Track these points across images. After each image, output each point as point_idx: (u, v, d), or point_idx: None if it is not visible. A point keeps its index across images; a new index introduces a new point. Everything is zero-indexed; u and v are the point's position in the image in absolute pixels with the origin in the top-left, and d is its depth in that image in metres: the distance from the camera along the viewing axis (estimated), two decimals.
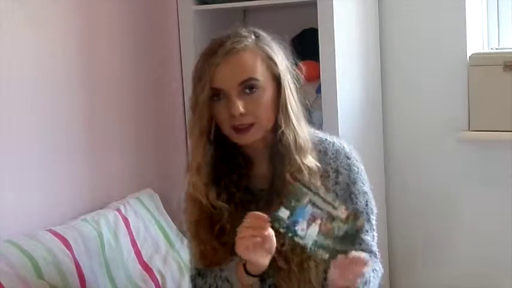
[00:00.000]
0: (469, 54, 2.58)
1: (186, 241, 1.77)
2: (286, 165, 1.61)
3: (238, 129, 1.59)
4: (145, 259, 2.29)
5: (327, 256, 1.50)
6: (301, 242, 1.50)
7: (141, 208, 2.42)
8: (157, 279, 2.26)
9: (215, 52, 1.59)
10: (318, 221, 1.49)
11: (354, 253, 1.50)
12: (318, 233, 1.49)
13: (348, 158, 1.67)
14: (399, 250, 2.83)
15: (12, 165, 2.11)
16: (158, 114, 2.66)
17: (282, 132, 1.60)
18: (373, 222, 1.71)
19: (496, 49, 2.69)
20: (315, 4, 2.42)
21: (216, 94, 1.58)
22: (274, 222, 1.50)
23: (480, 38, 2.69)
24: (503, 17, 2.69)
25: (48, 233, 2.09)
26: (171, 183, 2.58)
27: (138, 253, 2.29)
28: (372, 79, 2.71)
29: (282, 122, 1.60)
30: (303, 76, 1.69)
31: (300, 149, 1.60)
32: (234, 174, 1.66)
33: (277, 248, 1.58)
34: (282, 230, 1.50)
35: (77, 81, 2.34)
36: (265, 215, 1.49)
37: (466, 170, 2.66)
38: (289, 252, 1.61)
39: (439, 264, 2.75)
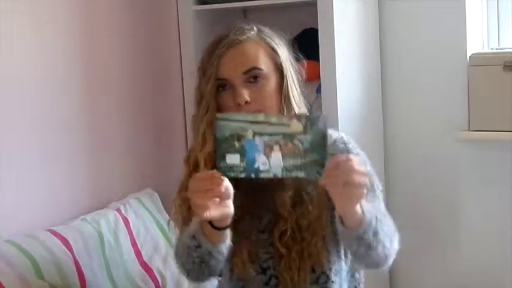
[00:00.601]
0: (469, 54, 2.59)
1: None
2: None
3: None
4: (145, 259, 2.29)
5: (303, 174, 1.40)
6: (269, 175, 1.40)
7: (141, 208, 2.42)
8: (157, 279, 2.26)
9: (218, 44, 1.62)
10: (276, 147, 1.40)
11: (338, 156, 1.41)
12: (283, 157, 1.39)
13: (346, 144, 1.68)
14: (399, 249, 2.82)
15: (12, 165, 2.11)
16: (158, 114, 2.66)
17: None
18: (381, 199, 1.69)
19: (496, 49, 2.69)
20: (315, 4, 2.42)
21: (221, 85, 1.61)
22: (228, 172, 1.41)
23: (480, 38, 2.69)
24: (503, 17, 2.69)
25: (48, 233, 2.09)
26: (171, 183, 2.57)
27: (138, 253, 2.29)
28: (372, 79, 2.71)
29: (285, 110, 1.62)
30: (304, 72, 1.72)
31: None
32: None
33: (278, 236, 1.61)
34: (241, 176, 1.41)
35: (77, 81, 2.34)
36: (214, 172, 1.42)
37: (466, 170, 2.66)
38: (290, 240, 1.62)
39: (439, 264, 2.75)
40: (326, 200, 1.62)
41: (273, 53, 1.64)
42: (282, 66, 1.64)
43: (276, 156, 1.39)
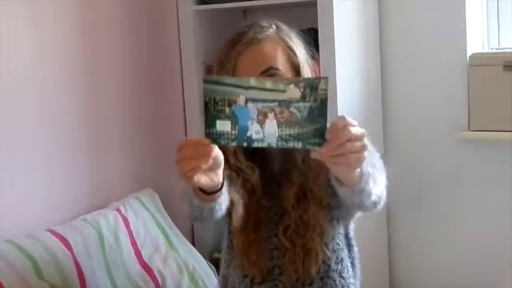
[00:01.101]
0: (469, 54, 2.58)
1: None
2: (299, 150, 1.61)
3: None
4: (145, 259, 2.29)
5: (300, 145, 1.30)
6: (263, 145, 1.31)
7: (141, 208, 2.42)
8: (157, 279, 2.27)
9: (237, 42, 1.62)
10: (271, 115, 1.29)
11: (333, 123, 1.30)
12: (278, 126, 1.29)
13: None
14: (399, 250, 2.83)
15: (13, 165, 2.11)
16: (158, 114, 2.66)
17: None
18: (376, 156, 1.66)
19: (496, 49, 2.69)
20: (315, 4, 2.42)
21: None
22: (218, 140, 1.32)
23: (480, 38, 2.69)
24: (503, 17, 2.69)
25: (48, 233, 2.09)
26: (171, 183, 2.57)
27: (138, 253, 2.29)
28: (372, 79, 2.71)
29: None
30: (319, 70, 1.72)
31: None
32: (255, 157, 1.68)
33: (282, 230, 1.63)
34: (232, 144, 1.32)
35: (78, 81, 2.34)
36: (202, 139, 1.32)
37: (466, 170, 2.66)
38: (294, 234, 1.64)
39: (439, 264, 2.75)
40: (326, 197, 1.65)
41: (290, 53, 1.64)
42: (299, 67, 1.64)
43: (271, 124, 1.29)
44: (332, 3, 2.39)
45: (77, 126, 2.33)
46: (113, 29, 2.48)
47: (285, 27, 1.69)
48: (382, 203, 1.60)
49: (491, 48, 2.70)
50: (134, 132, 2.56)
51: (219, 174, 1.40)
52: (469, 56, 2.58)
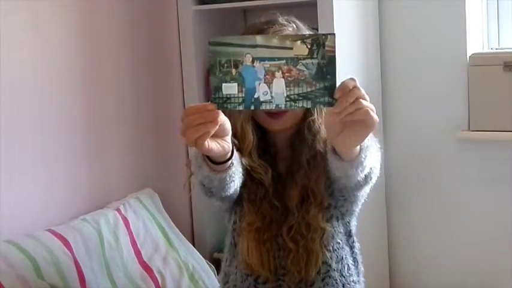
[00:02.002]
0: (469, 54, 2.58)
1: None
2: (306, 151, 1.64)
3: (272, 115, 1.61)
4: (145, 259, 2.29)
5: (309, 104, 1.26)
6: (272, 107, 1.27)
7: (141, 208, 2.42)
8: (157, 279, 2.27)
9: None
10: (279, 73, 1.25)
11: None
12: (286, 86, 1.25)
13: None
14: (400, 249, 2.83)
15: (13, 165, 2.11)
16: (158, 114, 2.66)
17: (313, 120, 1.64)
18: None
19: (496, 49, 2.69)
20: (315, 4, 2.42)
21: None
22: (225, 104, 1.27)
23: (480, 38, 2.69)
24: (503, 17, 2.69)
25: (48, 233, 2.09)
26: (171, 183, 2.58)
27: (138, 253, 2.29)
28: (372, 79, 2.71)
29: (315, 110, 1.63)
30: None
31: (324, 138, 1.62)
32: (266, 156, 1.69)
33: (286, 230, 1.63)
34: (239, 108, 1.28)
35: (78, 81, 2.34)
36: (207, 104, 1.28)
37: (466, 170, 2.66)
38: (297, 235, 1.64)
39: (439, 264, 2.75)
40: (326, 198, 1.65)
41: None
42: None
43: (279, 83, 1.25)
44: (332, 3, 2.39)
45: (76, 126, 2.33)
46: (113, 29, 2.48)
47: (302, 26, 1.70)
48: (374, 178, 1.60)
49: (491, 48, 2.70)
50: (134, 132, 2.56)
51: (228, 141, 1.38)
52: (469, 56, 2.58)
